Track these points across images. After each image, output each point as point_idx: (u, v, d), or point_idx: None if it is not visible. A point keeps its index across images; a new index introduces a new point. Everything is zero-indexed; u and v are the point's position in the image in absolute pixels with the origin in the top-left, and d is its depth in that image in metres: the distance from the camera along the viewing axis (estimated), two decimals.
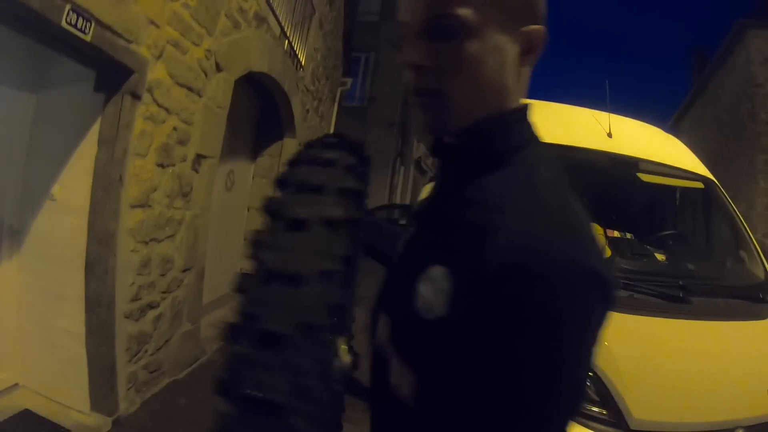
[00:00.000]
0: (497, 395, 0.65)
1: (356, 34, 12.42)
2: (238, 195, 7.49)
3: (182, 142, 4.33)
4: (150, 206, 3.96)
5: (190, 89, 4.41)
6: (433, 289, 0.73)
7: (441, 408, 0.71)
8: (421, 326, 0.74)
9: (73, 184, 3.65)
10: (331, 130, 11.41)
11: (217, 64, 5.03)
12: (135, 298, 3.99)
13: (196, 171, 4.64)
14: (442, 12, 0.75)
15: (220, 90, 5.21)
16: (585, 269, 0.65)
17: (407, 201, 16.71)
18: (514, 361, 0.64)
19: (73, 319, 3.62)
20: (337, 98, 11.95)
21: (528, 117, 0.85)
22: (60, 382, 3.74)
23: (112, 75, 3.47)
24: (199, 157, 4.68)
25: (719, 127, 17.42)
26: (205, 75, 4.80)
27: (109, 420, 3.65)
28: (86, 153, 3.61)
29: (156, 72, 3.80)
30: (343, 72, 12.07)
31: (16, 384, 3.78)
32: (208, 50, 4.74)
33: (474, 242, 0.69)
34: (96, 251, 3.52)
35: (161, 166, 4.04)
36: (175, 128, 4.19)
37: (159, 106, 3.94)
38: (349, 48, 11.95)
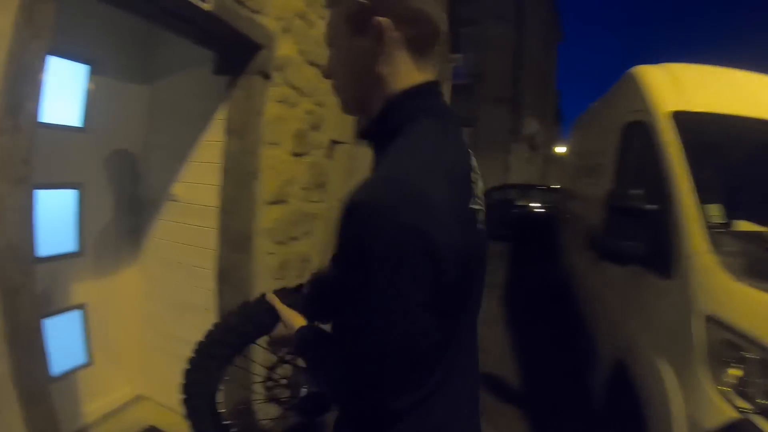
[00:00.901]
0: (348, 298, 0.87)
1: (457, 7, 11.59)
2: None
3: (316, 127, 3.86)
4: (286, 202, 3.52)
5: (319, 67, 3.92)
6: None
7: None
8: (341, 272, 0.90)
9: (198, 181, 3.31)
10: None
11: None
12: None
13: (331, 158, 4.16)
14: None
15: None
16: (398, 221, 0.78)
17: (522, 180, 15.67)
18: (347, 283, 0.85)
19: (199, 330, 3.21)
20: (449, 75, 11.20)
21: (415, 95, 0.97)
22: None
23: (235, 53, 3.00)
24: (334, 143, 4.20)
25: None
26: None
27: None
28: (211, 145, 3.23)
29: (284, 48, 3.30)
30: (451, 48, 11.30)
31: (139, 396, 3.55)
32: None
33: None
34: (230, 256, 3.10)
35: (296, 155, 3.59)
36: (308, 112, 3.71)
37: (291, 87, 3.47)
38: (456, 22, 11.12)
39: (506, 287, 8.23)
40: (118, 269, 3.52)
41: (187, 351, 1.65)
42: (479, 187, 1.03)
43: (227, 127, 3.08)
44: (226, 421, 1.71)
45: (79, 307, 3.22)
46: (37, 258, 2.91)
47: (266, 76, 3.14)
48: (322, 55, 3.97)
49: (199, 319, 3.20)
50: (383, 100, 0.98)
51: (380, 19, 0.93)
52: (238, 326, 1.50)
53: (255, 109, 3.04)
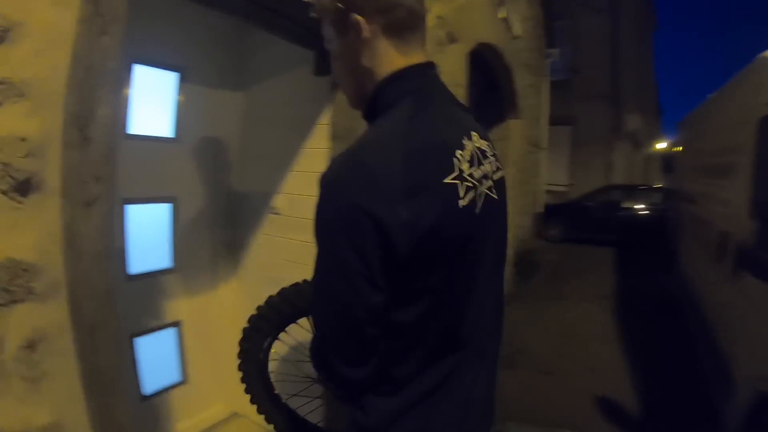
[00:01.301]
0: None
1: None
2: None
3: None
4: None
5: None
6: None
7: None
8: None
9: (300, 192, 2.95)
10: (544, 108, 9.87)
11: (450, 34, 3.96)
12: None
13: None
14: None
15: (456, 65, 4.15)
16: (347, 198, 0.81)
17: (626, 180, 14.41)
18: (317, 253, 0.88)
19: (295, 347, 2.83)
20: (547, 72, 10.33)
21: (397, 79, 0.98)
22: None
23: None
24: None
25: None
26: (440, 46, 3.76)
27: None
28: (314, 153, 2.83)
29: None
30: (546, 42, 10.41)
31: (234, 414, 3.27)
32: (439, 17, 3.69)
33: None
34: None
35: None
36: None
37: None
38: (549, 15, 10.18)
39: (617, 299, 7.37)
40: (213, 285, 3.21)
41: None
42: (481, 163, 0.99)
43: (332, 132, 2.62)
44: (275, 389, 2.16)
45: (174, 324, 2.97)
46: (130, 276, 2.65)
47: None
48: (434, 49, 3.48)
49: (296, 334, 2.78)
50: (374, 89, 1.01)
51: (356, 16, 0.96)
52: (277, 306, 1.99)
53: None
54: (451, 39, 4.01)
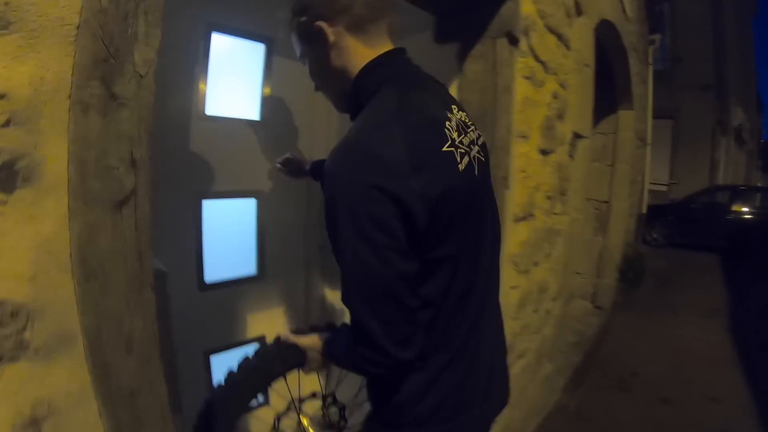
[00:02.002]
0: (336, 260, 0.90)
1: None
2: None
3: (560, 116, 2.62)
4: (533, 216, 2.31)
5: (560, 37, 2.65)
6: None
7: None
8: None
9: None
10: (649, 99, 8.71)
11: (577, 5, 3.19)
12: (507, 353, 2.40)
13: (572, 157, 2.86)
14: None
15: (583, 41, 3.38)
16: (361, 182, 0.82)
17: (731, 180, 12.83)
18: (330, 232, 0.88)
19: None
20: (650, 59, 9.09)
21: (370, 71, 0.98)
22: None
23: (467, 8, 1.90)
24: (576, 137, 2.89)
25: None
26: (568, 18, 3.01)
27: None
28: None
29: (525, 4, 2.12)
30: (648, 27, 9.15)
31: None
32: None
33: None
34: None
35: (543, 152, 2.37)
36: (554, 94, 2.47)
37: (536, 59, 2.26)
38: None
39: (730, 314, 6.38)
40: (305, 295, 2.68)
41: None
42: (466, 132, 1.01)
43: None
44: None
45: (258, 339, 2.46)
46: (207, 284, 2.17)
47: (513, 41, 1.98)
48: (563, 20, 2.80)
49: None
50: (352, 85, 1.00)
51: (318, 23, 0.96)
52: (260, 367, 1.31)
53: (502, 86, 1.88)
54: (579, 11, 3.25)
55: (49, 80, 0.73)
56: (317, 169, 1.72)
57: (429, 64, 2.10)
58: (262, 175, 2.30)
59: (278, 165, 1.87)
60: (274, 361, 1.29)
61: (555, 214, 2.65)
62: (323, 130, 2.46)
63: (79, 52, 0.74)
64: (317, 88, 1.13)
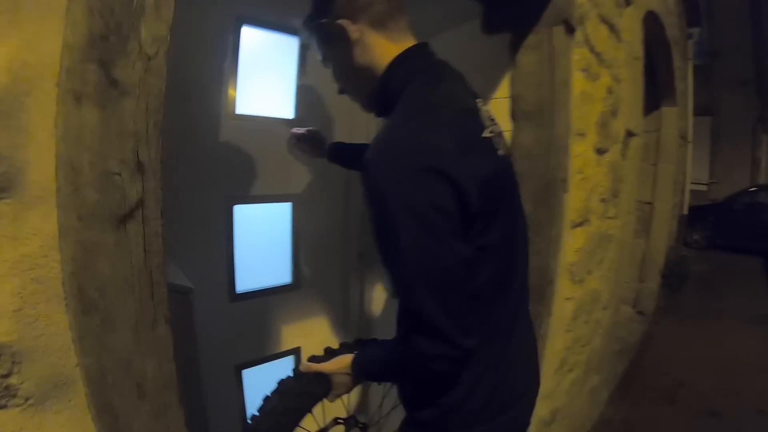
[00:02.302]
0: (387, 255, 0.86)
1: None
2: None
3: (614, 112, 2.37)
4: (589, 221, 2.08)
5: (611, 28, 2.42)
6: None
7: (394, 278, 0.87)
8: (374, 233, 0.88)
9: None
10: (690, 95, 8.26)
11: None
12: (559, 368, 2.19)
13: (625, 156, 2.62)
14: None
15: (633, 32, 3.13)
16: (417, 165, 0.78)
17: None
18: (380, 225, 0.84)
19: None
20: (690, 54, 8.58)
21: (398, 65, 0.95)
22: None
23: None
24: (628, 135, 2.64)
25: None
26: (618, 8, 2.77)
27: None
28: None
29: None
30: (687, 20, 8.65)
31: None
32: None
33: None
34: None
35: (599, 152, 2.13)
36: (609, 89, 2.24)
37: (592, 50, 2.03)
38: None
39: None
40: (343, 305, 2.48)
41: None
42: (493, 123, 1.00)
43: (515, 108, 1.74)
44: None
45: (293, 352, 2.27)
46: (238, 294, 2.00)
47: (570, 29, 1.77)
48: (614, 10, 2.56)
49: None
50: (379, 82, 0.97)
51: (339, 22, 0.94)
52: (284, 407, 1.15)
53: (560, 79, 1.67)
54: (628, 0, 3.00)
55: (32, 64, 0.57)
56: (337, 152, 1.68)
57: (477, 56, 1.92)
58: (298, 177, 2.13)
59: (293, 140, 1.78)
60: (298, 397, 1.16)
61: (608, 218, 2.42)
62: (362, 128, 2.28)
63: (70, 27, 0.57)
64: (341, 91, 1.10)
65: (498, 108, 1.77)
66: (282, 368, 2.22)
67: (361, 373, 1.10)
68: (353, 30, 0.94)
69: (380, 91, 0.98)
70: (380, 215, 0.83)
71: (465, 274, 0.84)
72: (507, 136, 1.71)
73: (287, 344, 2.22)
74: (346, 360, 1.12)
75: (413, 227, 0.79)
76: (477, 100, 1.00)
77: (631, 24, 3.05)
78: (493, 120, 1.00)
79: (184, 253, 1.71)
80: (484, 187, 0.84)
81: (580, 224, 1.96)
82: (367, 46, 0.96)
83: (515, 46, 1.71)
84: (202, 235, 1.81)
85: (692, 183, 11.35)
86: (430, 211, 0.79)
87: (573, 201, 1.82)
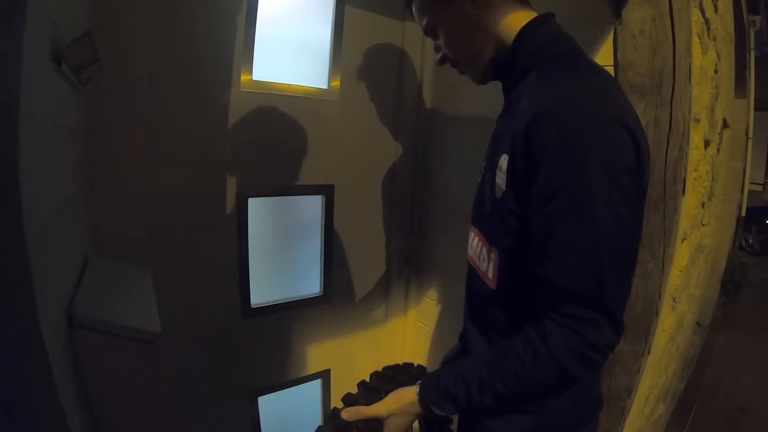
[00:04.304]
0: (561, 222, 0.70)
1: None
2: None
3: (717, 96, 1.90)
4: (692, 232, 1.63)
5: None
6: (499, 174, 0.80)
7: (519, 277, 0.78)
8: (497, 208, 0.80)
9: None
10: (752, 89, 7.54)
11: None
12: (641, 409, 1.79)
13: (719, 151, 2.15)
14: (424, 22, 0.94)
15: (725, 4, 2.64)
16: (597, 111, 0.68)
17: None
18: (553, 186, 0.70)
19: None
20: (752, 43, 7.79)
21: (536, 30, 0.85)
22: None
23: None
24: (724, 127, 2.18)
25: None
26: None
27: None
28: None
29: None
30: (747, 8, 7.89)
31: None
32: None
33: (521, 118, 0.74)
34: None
35: (706, 144, 1.68)
36: (716, 67, 1.78)
37: (702, 14, 1.63)
38: None
39: None
40: (382, 318, 2.09)
41: None
42: None
43: (623, 80, 1.28)
44: None
45: (321, 375, 1.92)
46: (252, 309, 1.63)
47: None
48: None
49: None
50: (506, 47, 0.87)
51: None
52: None
53: (682, 42, 1.23)
54: None
55: None
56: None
57: (570, 10, 1.50)
58: (333, 163, 1.73)
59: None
60: None
61: (703, 225, 1.96)
62: (412, 101, 1.87)
63: None
64: (452, 63, 0.96)
65: None
66: (310, 392, 1.86)
67: (436, 401, 0.84)
68: None
69: (511, 56, 0.87)
70: (567, 175, 0.69)
71: (635, 242, 0.74)
72: None
73: (316, 365, 1.87)
74: (406, 395, 0.87)
75: (606, 188, 0.69)
76: None
77: None
78: None
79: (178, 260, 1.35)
80: (647, 162, 0.75)
81: (686, 237, 1.52)
82: (491, 7, 0.87)
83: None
84: (207, 235, 1.44)
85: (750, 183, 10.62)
86: (623, 172, 0.69)
87: (687, 207, 1.38)
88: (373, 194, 1.90)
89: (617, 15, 1.27)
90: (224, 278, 1.50)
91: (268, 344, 1.67)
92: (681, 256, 1.49)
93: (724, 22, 2.41)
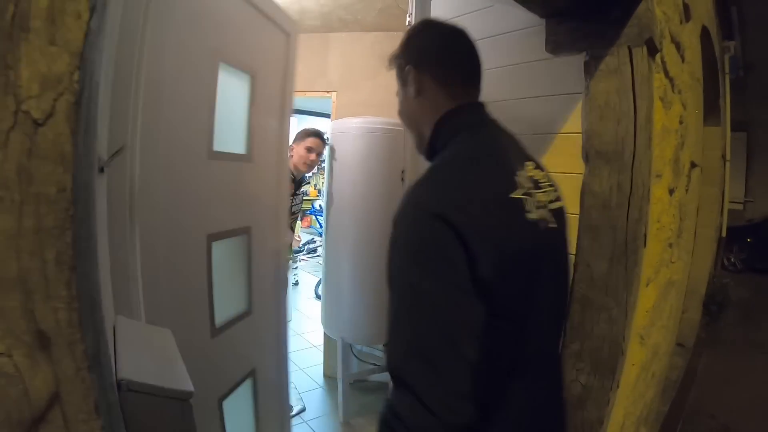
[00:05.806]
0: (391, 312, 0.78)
1: None
2: None
3: (682, 144, 2.05)
4: (658, 273, 1.75)
5: (677, 47, 2.11)
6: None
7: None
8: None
9: None
10: (728, 112, 7.75)
11: (686, 7, 2.59)
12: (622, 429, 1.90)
13: (687, 191, 2.28)
14: None
15: (693, 50, 2.80)
16: (426, 212, 0.77)
17: None
18: (390, 282, 0.79)
19: None
20: (726, 68, 8.02)
21: (448, 119, 0.96)
22: None
23: (593, 7, 1.41)
24: (692, 167, 2.32)
25: None
26: (681, 24, 2.44)
27: None
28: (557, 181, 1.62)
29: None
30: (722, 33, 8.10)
31: None
32: None
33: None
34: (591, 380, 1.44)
35: (671, 192, 1.81)
36: (680, 119, 1.93)
37: (666, 74, 1.75)
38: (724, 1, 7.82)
39: None
40: None
41: None
42: (539, 188, 0.92)
43: (588, 147, 1.40)
44: None
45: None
46: (217, 328, 1.71)
47: (653, 50, 1.45)
48: (678, 26, 2.24)
49: None
50: (431, 130, 0.98)
51: (408, 67, 0.99)
52: None
53: (643, 112, 1.36)
54: (688, 15, 2.67)
55: None
56: None
57: (538, 80, 1.63)
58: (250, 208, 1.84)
59: None
60: None
61: (672, 262, 2.09)
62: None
63: None
64: (403, 125, 1.10)
65: (565, 145, 1.46)
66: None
67: None
68: (417, 78, 0.98)
69: (431, 139, 0.99)
70: (389, 258, 0.80)
71: (464, 335, 0.76)
72: (575, 181, 1.41)
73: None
74: None
75: (412, 271, 0.77)
76: (524, 164, 0.95)
77: (691, 41, 2.72)
78: (538, 185, 0.93)
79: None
80: (500, 250, 0.79)
81: (652, 280, 1.64)
82: (427, 96, 0.98)
83: (588, 71, 1.40)
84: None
85: (730, 201, 10.82)
86: (433, 258, 0.75)
87: (649, 256, 1.50)
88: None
89: (585, 89, 1.40)
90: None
91: (227, 354, 1.82)
92: (646, 298, 1.61)
93: (691, 68, 2.57)
